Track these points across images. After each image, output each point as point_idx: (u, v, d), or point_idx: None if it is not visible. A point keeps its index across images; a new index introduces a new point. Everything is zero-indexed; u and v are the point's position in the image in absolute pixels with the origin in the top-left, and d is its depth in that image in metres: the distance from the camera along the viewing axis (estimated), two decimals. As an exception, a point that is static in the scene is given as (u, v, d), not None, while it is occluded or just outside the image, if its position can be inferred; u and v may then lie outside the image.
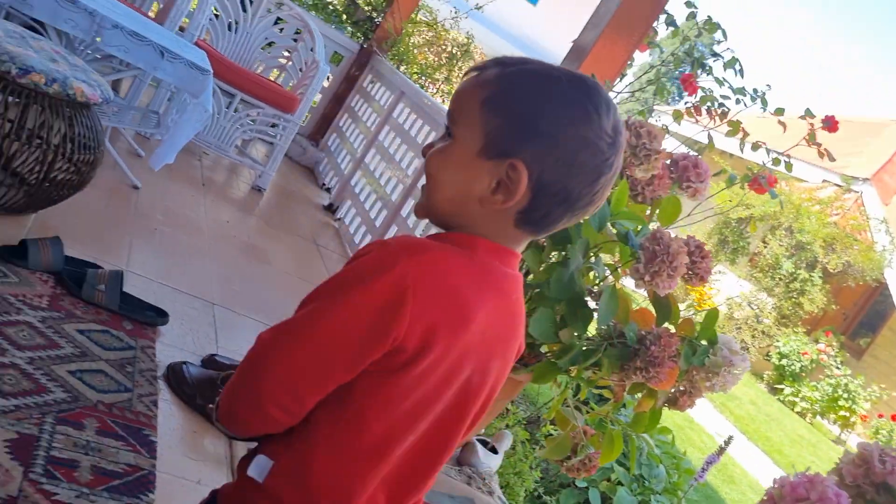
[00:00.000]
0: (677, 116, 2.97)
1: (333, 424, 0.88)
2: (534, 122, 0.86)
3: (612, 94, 2.87)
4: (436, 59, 5.42)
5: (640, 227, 2.35)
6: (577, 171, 0.87)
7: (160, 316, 2.27)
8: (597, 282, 2.37)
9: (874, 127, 13.03)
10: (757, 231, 11.43)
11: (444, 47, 5.40)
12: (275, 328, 0.87)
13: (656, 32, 2.91)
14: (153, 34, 3.04)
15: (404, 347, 0.84)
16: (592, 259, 2.36)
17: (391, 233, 3.74)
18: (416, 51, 5.04)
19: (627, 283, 2.31)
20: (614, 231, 2.37)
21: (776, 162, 2.95)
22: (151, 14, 4.31)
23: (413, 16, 5.19)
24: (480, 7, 5.17)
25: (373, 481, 0.90)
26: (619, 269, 2.33)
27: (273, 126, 4.13)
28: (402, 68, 5.10)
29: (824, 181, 11.93)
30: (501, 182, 0.87)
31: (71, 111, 2.38)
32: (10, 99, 2.26)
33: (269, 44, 4.72)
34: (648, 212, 2.56)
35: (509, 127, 0.87)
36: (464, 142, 0.89)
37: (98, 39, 2.85)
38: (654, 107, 3.74)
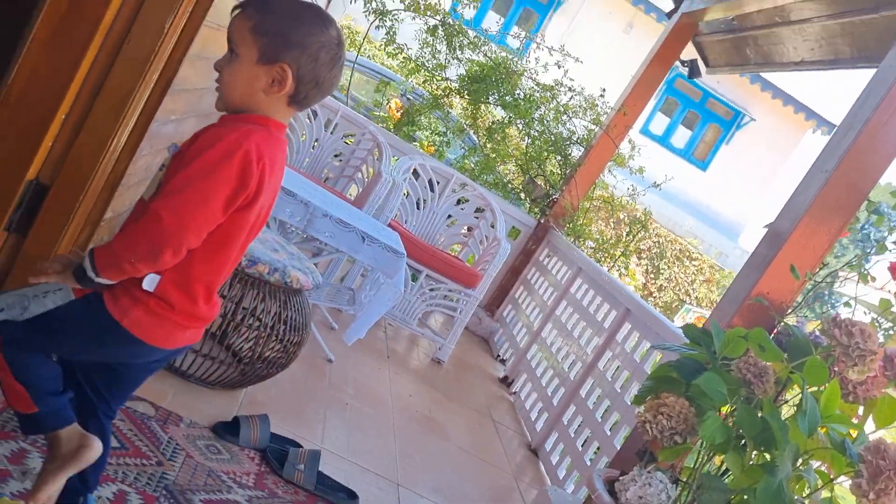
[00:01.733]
0: (885, 306, 2.77)
1: (207, 245, 1.36)
2: (289, 37, 1.35)
3: (810, 284, 2.75)
4: (613, 232, 5.48)
5: (855, 432, 2.17)
6: (321, 65, 1.38)
7: (351, 498, 2.32)
8: (808, 493, 2.17)
9: None
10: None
11: (621, 220, 5.46)
12: (171, 206, 1.29)
13: (857, 219, 2.80)
14: (356, 220, 3.32)
15: (250, 194, 1.34)
16: (802, 466, 2.18)
17: (569, 413, 3.67)
18: (592, 226, 5.14)
19: (842, 491, 2.10)
20: (826, 437, 2.19)
21: None
22: (350, 196, 4.74)
23: (590, 192, 5.34)
24: (659, 185, 5.25)
25: (225, 276, 1.44)
26: (833, 480, 2.14)
27: (454, 300, 4.29)
28: (578, 243, 5.20)
29: None
30: (275, 79, 1.37)
31: (285, 296, 2.61)
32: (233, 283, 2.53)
33: (449, 217, 5.01)
34: (860, 411, 2.36)
35: (274, 42, 1.35)
36: (245, 57, 1.36)
37: (309, 226, 3.16)
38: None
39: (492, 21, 13.64)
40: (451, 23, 5.35)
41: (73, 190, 2.02)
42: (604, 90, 5.49)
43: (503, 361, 4.90)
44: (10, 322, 1.39)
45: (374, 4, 5.14)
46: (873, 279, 3.01)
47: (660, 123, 15.04)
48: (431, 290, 4.28)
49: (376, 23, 5.24)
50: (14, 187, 1.95)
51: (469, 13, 5.84)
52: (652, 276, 12.40)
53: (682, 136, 15.19)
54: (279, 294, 2.59)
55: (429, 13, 5.28)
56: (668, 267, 12.47)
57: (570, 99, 5.39)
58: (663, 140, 14.89)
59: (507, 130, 5.55)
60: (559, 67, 5.42)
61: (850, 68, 4.05)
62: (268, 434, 2.35)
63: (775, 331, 2.69)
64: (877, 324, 2.60)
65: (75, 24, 1.92)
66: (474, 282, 4.23)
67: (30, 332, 1.39)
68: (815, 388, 2.21)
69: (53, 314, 1.38)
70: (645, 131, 14.49)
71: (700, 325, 2.61)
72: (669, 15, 5.31)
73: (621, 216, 10.11)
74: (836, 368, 2.28)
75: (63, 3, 1.91)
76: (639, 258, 12.06)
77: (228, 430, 2.30)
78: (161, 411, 2.24)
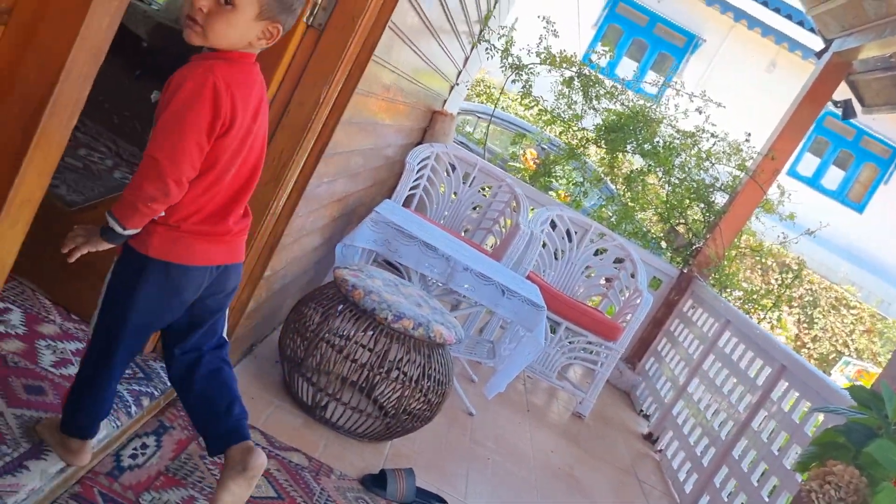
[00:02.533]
0: None
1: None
2: (289, 2, 1.51)
3: None
4: (761, 281, 5.20)
5: None
6: (292, 19, 1.55)
7: (496, 557, 2.29)
8: None
9: None
10: None
11: (771, 269, 5.18)
12: (161, 147, 1.43)
13: None
14: (495, 273, 3.35)
15: (225, 122, 1.47)
16: None
17: (721, 475, 3.48)
18: (740, 276, 4.90)
19: None
20: None
21: None
22: (488, 247, 4.79)
23: (736, 240, 5.12)
24: (813, 232, 4.95)
25: (215, 198, 1.56)
26: None
27: (594, 352, 4.20)
28: (724, 294, 4.98)
29: None
30: (266, 34, 1.51)
31: (429, 350, 2.66)
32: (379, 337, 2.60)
33: (587, 267, 4.94)
34: None
35: (277, 4, 1.48)
36: (243, 10, 1.45)
37: (450, 280, 3.21)
38: None
39: (627, 67, 13.52)
40: (587, 73, 5.36)
41: (238, 251, 2.16)
42: (749, 134, 5.28)
43: (646, 417, 4.72)
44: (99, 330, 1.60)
45: (510, 60, 5.24)
46: None
47: (809, 164, 14.24)
48: (571, 342, 4.21)
49: (512, 77, 5.33)
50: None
51: (603, 61, 5.82)
52: (805, 325, 11.62)
53: (834, 176, 14.29)
54: (423, 348, 2.64)
55: (564, 65, 5.31)
56: (823, 316, 11.64)
57: (713, 145, 5.22)
58: (813, 182, 14.07)
59: (646, 178, 5.44)
60: (700, 113, 5.28)
61: None
62: (413, 488, 2.38)
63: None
64: None
65: (243, 99, 2.07)
66: (615, 334, 4.13)
67: (108, 326, 1.58)
68: None
69: (109, 287, 1.59)
70: (793, 173, 13.75)
71: (861, 380, 2.42)
72: (819, 54, 5.07)
73: (770, 264, 9.60)
74: None
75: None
76: (790, 307, 11.36)
77: (376, 483, 2.35)
78: (314, 462, 2.32)
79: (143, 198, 1.45)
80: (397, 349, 2.63)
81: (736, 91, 12.28)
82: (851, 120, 7.02)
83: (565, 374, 4.64)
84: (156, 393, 2.05)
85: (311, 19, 2.11)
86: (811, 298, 11.55)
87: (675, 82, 5.52)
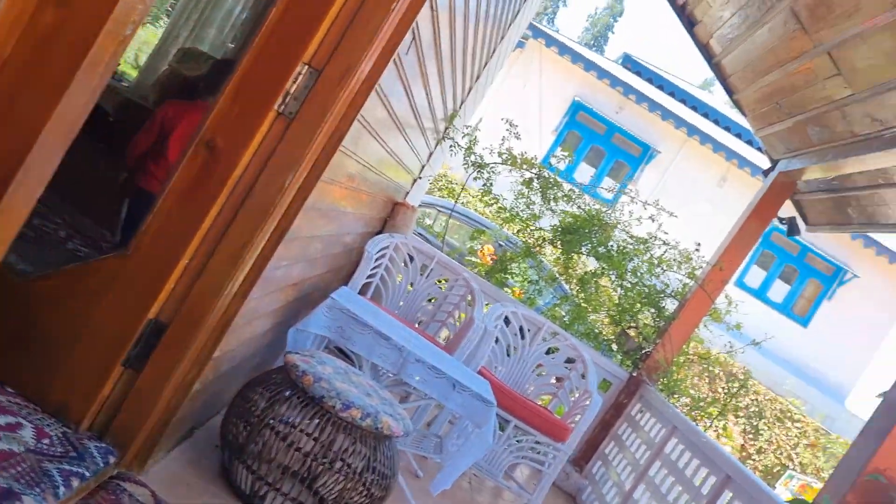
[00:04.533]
0: None
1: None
2: None
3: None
4: (708, 389, 5.26)
5: None
6: None
7: None
8: None
9: None
10: None
11: (718, 377, 5.25)
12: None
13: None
14: (447, 367, 3.34)
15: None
16: None
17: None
18: (687, 382, 4.96)
19: None
20: None
21: None
22: (441, 340, 4.78)
23: (684, 347, 5.21)
24: (759, 342, 5.07)
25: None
26: None
27: (541, 453, 4.16)
28: (671, 399, 5.02)
29: None
30: None
31: (375, 441, 2.61)
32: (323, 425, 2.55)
33: (538, 366, 4.94)
34: None
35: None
36: None
37: (402, 371, 3.19)
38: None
39: (585, 172, 13.99)
40: (547, 176, 5.53)
41: (190, 329, 2.13)
42: (699, 244, 5.46)
43: (592, 522, 4.64)
44: None
45: (473, 158, 5.39)
46: None
47: (756, 276, 14.70)
48: (519, 441, 4.17)
49: (474, 174, 5.47)
50: (135, 325, 2.08)
51: (563, 165, 6.02)
52: (751, 436, 11.70)
53: (779, 290, 14.75)
54: (370, 439, 2.59)
55: (525, 166, 5.48)
56: (769, 428, 11.76)
57: (665, 252, 5.38)
58: (760, 294, 14.49)
59: (599, 281, 5.55)
60: (653, 221, 5.46)
61: (962, 232, 3.92)
62: (349, 588, 2.28)
63: (896, 512, 2.48)
64: None
65: (206, 180, 2.10)
66: (564, 435, 4.10)
67: None
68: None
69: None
70: (740, 283, 14.17)
71: (805, 494, 2.43)
72: (766, 173, 5.33)
73: (717, 372, 9.72)
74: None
75: (198, 159, 2.11)
76: (736, 417, 11.45)
77: (310, 580, 2.25)
78: (246, 555, 2.22)
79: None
80: (343, 439, 2.57)
81: (689, 201, 12.75)
82: (796, 237, 7.31)
83: (512, 473, 4.57)
84: (87, 474, 1.96)
85: (283, 107, 2.17)
86: (757, 409, 11.68)
87: (630, 189, 5.73)
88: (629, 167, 14.28)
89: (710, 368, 5.64)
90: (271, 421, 2.55)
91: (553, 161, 5.87)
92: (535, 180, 5.53)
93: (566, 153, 5.84)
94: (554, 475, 4.13)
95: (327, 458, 2.57)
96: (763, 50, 4.46)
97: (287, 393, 2.58)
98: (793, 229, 5.32)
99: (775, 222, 5.35)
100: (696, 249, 5.41)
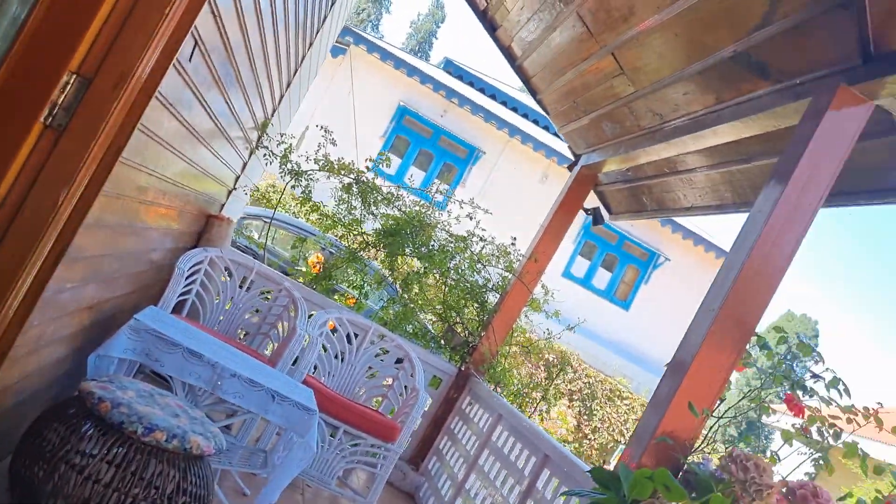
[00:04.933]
0: (787, 437, 2.85)
1: None
2: None
3: (714, 418, 2.82)
4: (534, 371, 5.51)
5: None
6: None
7: None
8: None
9: None
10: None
11: (542, 359, 5.50)
12: None
13: (749, 354, 2.92)
14: (266, 379, 3.27)
15: None
16: None
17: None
18: (519, 370, 5.17)
19: None
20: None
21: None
22: (268, 352, 4.69)
23: (508, 337, 5.42)
24: (573, 328, 5.38)
25: None
26: None
27: (376, 455, 4.18)
28: (497, 390, 5.21)
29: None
30: None
31: (185, 462, 2.51)
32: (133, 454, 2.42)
33: (370, 369, 4.97)
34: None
35: None
36: None
37: (217, 388, 3.09)
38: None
39: (416, 176, 14.21)
40: (365, 180, 5.56)
41: (-47, 365, 1.95)
42: (514, 239, 5.71)
43: (430, 517, 4.73)
44: None
45: (289, 166, 5.32)
46: (773, 412, 3.11)
47: (581, 266, 15.58)
48: (352, 445, 4.17)
49: (292, 183, 5.41)
50: None
51: (389, 168, 6.07)
52: (585, 417, 12.39)
53: (602, 277, 15.72)
54: (179, 461, 2.49)
55: (343, 172, 5.49)
56: (601, 407, 12.50)
57: (483, 248, 5.58)
58: (585, 282, 15.37)
59: (424, 280, 5.66)
60: (471, 219, 5.65)
61: (733, 212, 4.37)
62: None
63: (684, 469, 2.72)
64: (777, 458, 2.66)
65: (-36, 200, 1.94)
66: (393, 435, 4.15)
67: None
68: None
69: None
70: (567, 274, 14.96)
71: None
72: (570, 167, 5.66)
73: (550, 358, 10.21)
74: (739, 504, 2.31)
75: (-47, 180, 1.94)
76: (570, 400, 12.08)
77: None
78: None
79: None
80: (155, 464, 2.46)
81: (514, 199, 13.31)
82: (612, 224, 7.80)
83: (347, 480, 4.56)
84: None
85: (50, 120, 2.04)
86: (589, 391, 12.39)
87: (435, 183, 5.88)
88: (458, 169, 14.68)
89: (535, 356, 5.90)
90: (67, 455, 2.39)
91: (379, 164, 5.89)
92: (355, 185, 5.55)
93: (383, 156, 5.88)
94: (386, 475, 4.16)
95: (137, 486, 2.45)
96: (557, 52, 4.75)
97: (84, 423, 2.43)
98: (597, 219, 5.70)
99: (582, 213, 5.70)
100: (513, 243, 5.65)
